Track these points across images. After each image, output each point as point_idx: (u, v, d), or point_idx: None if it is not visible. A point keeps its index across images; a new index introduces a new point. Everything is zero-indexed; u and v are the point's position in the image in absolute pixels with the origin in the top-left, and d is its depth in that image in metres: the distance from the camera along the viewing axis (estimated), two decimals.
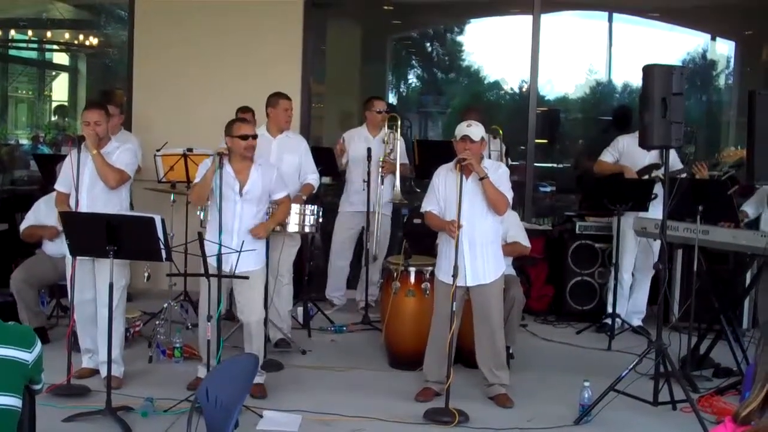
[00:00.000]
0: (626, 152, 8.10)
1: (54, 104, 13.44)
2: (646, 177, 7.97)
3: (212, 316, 5.73)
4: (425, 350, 6.23)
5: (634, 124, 8.64)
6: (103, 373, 5.93)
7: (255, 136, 6.14)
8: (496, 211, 5.96)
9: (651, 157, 7.92)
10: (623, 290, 8.18)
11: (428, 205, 6.15)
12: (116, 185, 6.14)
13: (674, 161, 7.82)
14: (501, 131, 8.56)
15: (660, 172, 7.89)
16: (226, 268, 5.83)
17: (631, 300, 8.15)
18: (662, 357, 5.85)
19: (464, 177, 5.86)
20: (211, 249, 5.76)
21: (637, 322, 8.13)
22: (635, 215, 7.57)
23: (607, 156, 8.26)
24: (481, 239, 5.93)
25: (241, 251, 5.76)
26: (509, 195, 6.02)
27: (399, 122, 8.35)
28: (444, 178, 6.07)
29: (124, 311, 6.43)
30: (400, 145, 8.37)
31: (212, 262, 5.78)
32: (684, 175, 7.74)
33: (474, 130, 5.92)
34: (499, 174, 5.97)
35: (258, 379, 5.99)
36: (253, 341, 6.12)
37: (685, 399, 5.71)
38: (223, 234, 5.86)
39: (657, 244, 7.95)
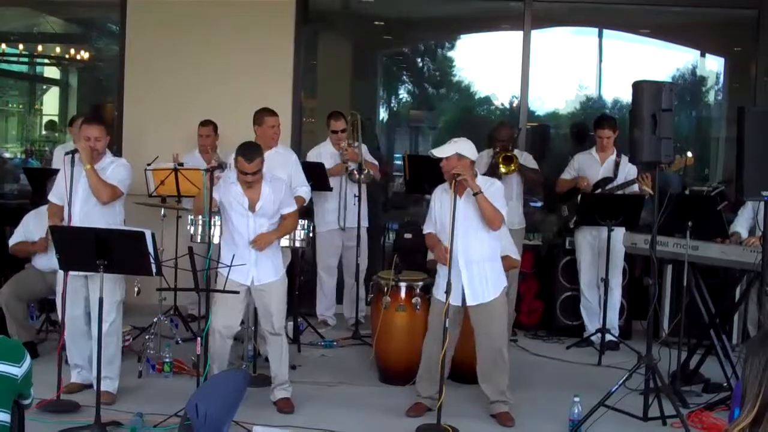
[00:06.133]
0: (581, 168, 8.38)
1: (45, 118, 13.43)
2: (599, 190, 8.13)
3: (223, 331, 5.73)
4: (418, 366, 6.22)
5: (590, 140, 8.91)
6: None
7: (256, 172, 5.96)
8: (491, 226, 5.93)
9: (604, 170, 8.23)
10: (591, 305, 8.23)
11: (427, 227, 6.19)
12: (108, 201, 6.13)
13: (631, 171, 7.99)
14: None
15: (612, 185, 8.11)
16: (247, 282, 5.94)
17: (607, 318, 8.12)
18: (652, 372, 5.86)
19: (458, 195, 5.84)
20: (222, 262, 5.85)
21: (610, 337, 8.09)
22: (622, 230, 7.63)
23: (566, 174, 8.52)
24: (478, 257, 5.90)
25: (231, 266, 5.76)
26: (503, 211, 5.99)
27: (358, 117, 8.35)
28: (440, 198, 6.07)
29: (120, 326, 6.42)
30: (363, 150, 8.36)
31: (232, 277, 5.85)
32: (636, 187, 7.87)
33: (445, 147, 5.93)
34: (493, 190, 5.94)
35: (285, 393, 6.16)
36: (280, 352, 6.19)
37: (675, 414, 5.73)
38: (241, 248, 5.96)
39: (618, 258, 8.00)
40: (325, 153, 8.42)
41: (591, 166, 8.28)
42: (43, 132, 12.83)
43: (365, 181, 8.21)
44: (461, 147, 5.90)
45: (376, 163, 8.57)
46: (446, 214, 5.90)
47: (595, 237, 8.12)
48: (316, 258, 8.67)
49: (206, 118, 8.59)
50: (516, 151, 8.34)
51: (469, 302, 5.95)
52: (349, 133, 8.27)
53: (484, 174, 8.06)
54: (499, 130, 8.60)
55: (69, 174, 5.95)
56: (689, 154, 7.84)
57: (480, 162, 8.20)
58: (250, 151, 5.96)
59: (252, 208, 6.03)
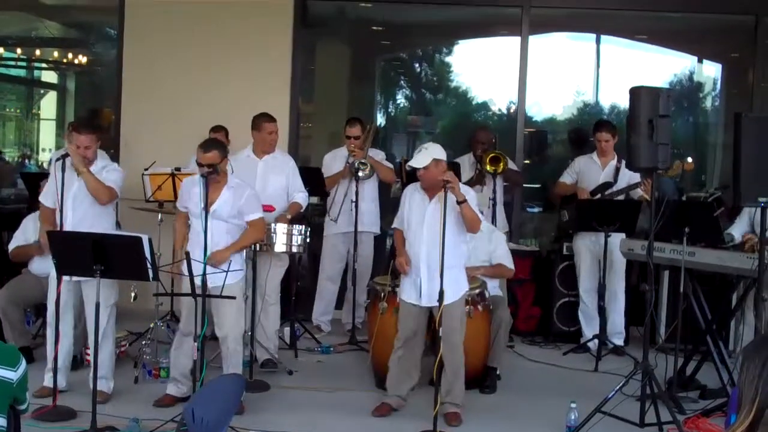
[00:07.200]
0: (582, 172, 8.37)
1: (42, 123, 13.43)
2: (599, 195, 8.11)
3: (198, 335, 5.71)
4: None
5: (588, 145, 8.91)
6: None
7: (212, 169, 5.92)
8: (471, 230, 6.07)
9: (605, 175, 8.19)
10: (589, 311, 8.22)
11: (396, 224, 6.31)
12: (108, 201, 6.21)
13: (633, 176, 7.89)
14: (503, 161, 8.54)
15: (612, 190, 8.05)
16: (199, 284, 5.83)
17: (608, 321, 8.14)
18: (649, 378, 5.86)
19: (429, 199, 5.96)
20: (194, 268, 5.74)
21: (617, 342, 8.13)
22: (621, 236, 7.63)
23: (566, 177, 8.52)
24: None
25: (228, 271, 5.76)
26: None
27: (371, 125, 8.46)
28: (410, 198, 6.15)
29: (114, 329, 6.46)
30: (381, 156, 8.51)
31: (196, 281, 5.76)
32: (640, 192, 7.85)
33: (420, 156, 5.94)
34: (470, 197, 5.99)
35: None
36: (231, 358, 6.13)
37: (671, 420, 5.73)
38: (199, 249, 5.88)
39: (619, 264, 8.01)
40: (339, 156, 8.47)
41: (591, 170, 8.28)
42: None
43: (365, 177, 8.24)
44: (435, 152, 5.96)
45: (392, 166, 8.62)
46: (414, 215, 6.06)
47: (595, 242, 8.11)
48: (320, 262, 8.69)
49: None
50: None
51: (424, 303, 6.02)
52: (363, 139, 8.30)
53: (471, 178, 8.18)
54: (479, 133, 8.79)
55: (60, 179, 5.95)
56: (689, 159, 7.83)
57: (462, 166, 8.29)
58: (208, 144, 6.11)
59: (207, 209, 6.02)
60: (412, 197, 6.13)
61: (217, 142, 6.25)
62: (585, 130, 10.08)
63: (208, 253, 5.91)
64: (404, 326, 6.16)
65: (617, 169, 8.13)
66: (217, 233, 6.05)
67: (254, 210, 6.22)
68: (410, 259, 6.08)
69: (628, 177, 8.00)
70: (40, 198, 6.41)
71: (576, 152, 9.48)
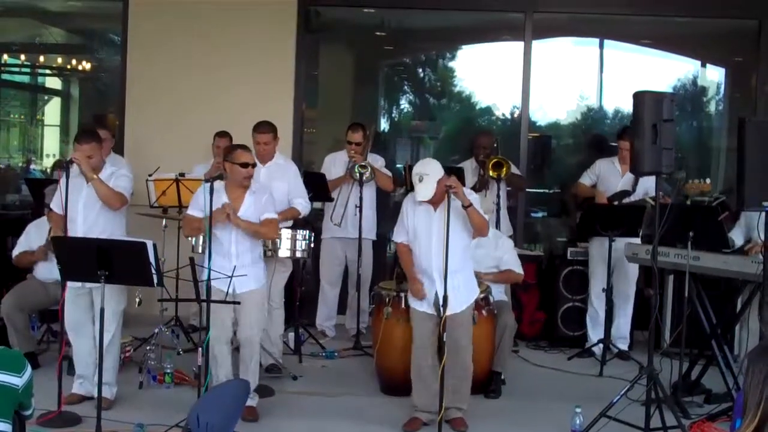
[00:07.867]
0: (602, 176, 8.36)
1: (47, 129, 13.45)
2: (616, 202, 8.08)
3: (203, 341, 5.72)
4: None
5: (605, 150, 8.93)
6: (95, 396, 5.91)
7: (254, 165, 6.20)
8: (480, 233, 6.08)
9: (624, 182, 8.15)
10: (598, 316, 8.19)
11: (399, 236, 6.22)
12: (120, 207, 6.23)
13: (651, 187, 7.84)
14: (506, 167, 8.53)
15: (630, 199, 8.01)
16: (225, 289, 5.84)
17: (614, 325, 8.13)
18: (654, 383, 5.85)
19: (433, 207, 5.94)
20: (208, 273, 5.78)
21: (622, 346, 8.13)
22: (626, 241, 7.61)
23: (585, 179, 8.51)
24: (451, 268, 5.80)
25: (232, 276, 5.76)
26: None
27: (371, 130, 8.47)
28: (413, 207, 6.10)
29: (119, 335, 6.47)
30: (380, 163, 8.51)
31: (215, 285, 5.78)
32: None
33: (424, 186, 5.89)
34: (473, 199, 5.99)
35: (250, 402, 5.96)
36: (250, 361, 6.13)
37: (676, 425, 5.72)
38: (222, 258, 5.93)
39: (632, 269, 8.01)
40: (339, 160, 8.50)
41: (611, 175, 8.25)
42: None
43: (368, 180, 8.23)
44: (436, 174, 5.91)
45: (390, 174, 8.61)
46: (421, 226, 6.02)
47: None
48: (319, 267, 8.69)
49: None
50: None
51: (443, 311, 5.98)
52: (363, 144, 8.30)
53: (475, 184, 8.17)
54: (480, 138, 8.83)
55: (65, 185, 5.95)
56: (707, 180, 7.77)
57: (466, 172, 8.29)
58: (243, 145, 6.31)
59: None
60: (416, 208, 6.08)
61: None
62: (602, 135, 10.07)
63: (232, 260, 6.00)
64: (420, 333, 6.11)
65: (637, 178, 8.05)
66: (241, 239, 6.10)
67: (270, 210, 6.28)
68: (422, 270, 6.06)
69: (646, 187, 7.95)
70: (51, 205, 6.42)
71: (592, 156, 9.42)
